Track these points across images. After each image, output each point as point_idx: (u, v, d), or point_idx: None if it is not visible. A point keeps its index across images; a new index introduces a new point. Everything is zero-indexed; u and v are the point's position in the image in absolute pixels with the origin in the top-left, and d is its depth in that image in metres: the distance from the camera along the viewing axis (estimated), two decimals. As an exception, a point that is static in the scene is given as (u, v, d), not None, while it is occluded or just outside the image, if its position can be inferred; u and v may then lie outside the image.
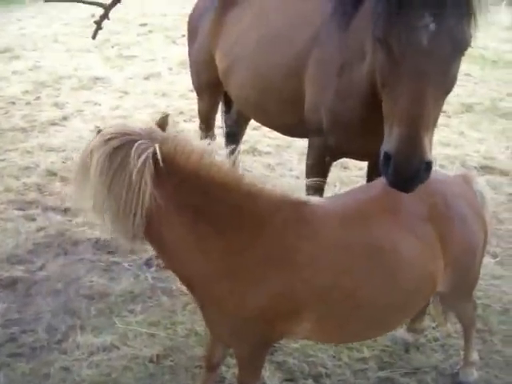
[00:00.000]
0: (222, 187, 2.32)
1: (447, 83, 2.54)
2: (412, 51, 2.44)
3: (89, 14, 12.95)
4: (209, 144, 2.37)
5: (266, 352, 2.73)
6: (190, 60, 4.94)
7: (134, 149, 2.15)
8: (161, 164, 2.18)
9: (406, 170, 2.42)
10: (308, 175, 3.89)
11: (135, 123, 2.39)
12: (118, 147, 2.18)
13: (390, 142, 2.51)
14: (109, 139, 2.19)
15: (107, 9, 3.65)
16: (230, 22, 4.30)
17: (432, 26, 2.40)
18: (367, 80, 3.03)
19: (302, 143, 5.70)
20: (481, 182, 3.03)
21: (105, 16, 3.69)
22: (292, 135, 4.42)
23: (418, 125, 2.41)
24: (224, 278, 2.37)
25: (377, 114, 2.78)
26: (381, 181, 2.70)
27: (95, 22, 3.80)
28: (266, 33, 3.92)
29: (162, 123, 2.37)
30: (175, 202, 2.26)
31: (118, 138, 2.19)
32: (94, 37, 3.78)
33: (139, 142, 2.17)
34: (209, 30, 4.49)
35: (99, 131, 2.28)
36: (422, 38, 2.41)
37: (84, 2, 4.32)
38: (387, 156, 2.49)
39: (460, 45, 2.49)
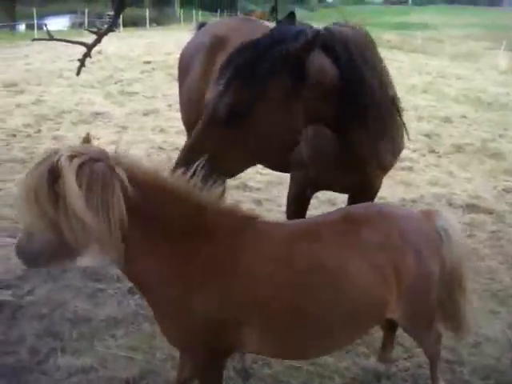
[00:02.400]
0: (173, 199, 2.47)
1: None
2: None
3: (95, 50, 13.33)
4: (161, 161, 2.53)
5: (221, 365, 2.84)
6: (181, 98, 5.12)
7: (99, 167, 2.27)
8: (125, 179, 2.30)
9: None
10: (289, 206, 4.07)
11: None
12: (85, 167, 2.25)
13: None
14: (71, 159, 2.25)
15: (89, 48, 3.86)
16: (220, 63, 4.50)
17: None
18: None
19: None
20: (447, 219, 3.13)
21: (87, 54, 3.90)
22: (273, 169, 4.63)
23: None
24: (171, 284, 2.53)
25: (343, 149, 2.98)
26: (342, 209, 2.91)
27: (79, 60, 4.02)
28: None
29: (86, 141, 2.47)
30: (135, 212, 2.36)
31: (79, 157, 2.26)
32: (78, 73, 3.99)
33: (101, 161, 2.29)
34: (199, 70, 4.68)
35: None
36: None
37: (68, 42, 4.54)
38: None
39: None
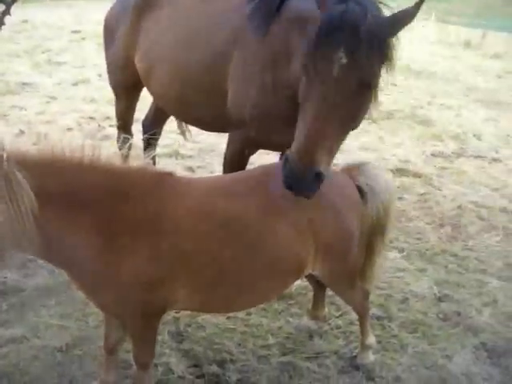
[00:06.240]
0: (76, 170, 2.45)
1: (352, 111, 2.80)
2: (323, 78, 2.71)
3: (19, 19, 12.86)
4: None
5: (155, 325, 2.86)
6: (108, 62, 5.05)
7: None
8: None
9: (295, 176, 2.72)
10: (226, 168, 4.07)
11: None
12: None
13: (291, 148, 2.79)
14: None
15: (9, 4, 3.73)
16: (149, 24, 4.44)
17: (344, 61, 2.65)
18: (292, 82, 3.27)
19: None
20: (370, 173, 3.21)
21: (6, 12, 3.76)
22: (210, 129, 4.63)
23: (315, 141, 2.72)
24: (98, 254, 2.51)
25: (294, 111, 3.02)
26: (261, 166, 3.09)
27: (-6, 18, 3.89)
28: (186, 33, 4.12)
29: None
30: (42, 195, 2.33)
31: None
32: (-5, 32, 3.87)
33: None
34: (126, 32, 4.62)
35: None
36: (333, 69, 2.67)
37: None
38: (286, 159, 2.77)
39: (368, 81, 2.74)
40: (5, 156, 2.26)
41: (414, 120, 8.73)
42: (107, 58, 5.04)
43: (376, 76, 2.78)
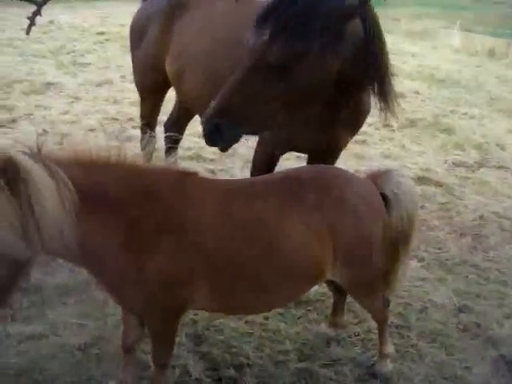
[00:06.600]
0: (103, 169, 2.48)
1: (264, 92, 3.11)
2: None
3: (46, 20, 12.98)
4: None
5: (174, 325, 2.88)
6: (134, 63, 5.07)
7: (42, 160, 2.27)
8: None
9: (203, 129, 3.15)
10: (256, 168, 4.10)
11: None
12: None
13: None
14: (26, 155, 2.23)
15: (40, 5, 3.77)
16: (181, 26, 4.47)
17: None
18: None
19: (246, 151, 5.89)
20: (395, 180, 3.20)
21: (37, 12, 3.81)
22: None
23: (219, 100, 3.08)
24: (123, 252, 2.53)
25: (327, 111, 3.30)
26: (283, 170, 3.11)
27: (28, 18, 3.92)
28: (223, 33, 4.14)
29: None
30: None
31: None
32: (27, 32, 3.90)
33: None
34: (157, 33, 4.65)
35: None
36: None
37: (17, -2, 4.42)
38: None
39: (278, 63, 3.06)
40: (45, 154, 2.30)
41: (436, 128, 8.68)
42: (134, 58, 5.06)
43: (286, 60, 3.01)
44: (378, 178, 3.19)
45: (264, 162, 4.06)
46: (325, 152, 3.93)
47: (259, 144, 4.06)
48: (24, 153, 2.23)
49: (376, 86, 3.46)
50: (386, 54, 3.39)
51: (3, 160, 2.15)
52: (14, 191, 2.16)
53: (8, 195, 2.14)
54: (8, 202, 2.15)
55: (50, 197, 2.21)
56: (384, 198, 3.12)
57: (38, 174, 2.18)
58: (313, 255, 2.84)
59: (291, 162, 6.00)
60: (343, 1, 3.05)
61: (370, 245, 3.01)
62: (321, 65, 3.10)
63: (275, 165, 4.10)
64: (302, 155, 5.21)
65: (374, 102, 3.65)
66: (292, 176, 3.00)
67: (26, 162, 2.18)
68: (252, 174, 4.12)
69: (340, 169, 3.32)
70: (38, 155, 2.29)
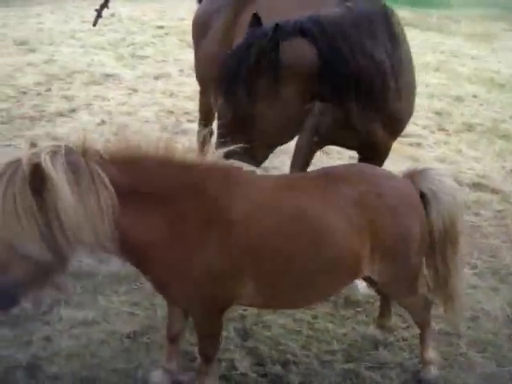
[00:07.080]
0: (153, 165, 2.50)
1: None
2: None
3: (107, 12, 13.21)
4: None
5: (219, 319, 2.90)
6: (198, 55, 5.10)
7: (77, 159, 2.30)
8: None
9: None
10: (294, 161, 4.14)
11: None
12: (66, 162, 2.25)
13: None
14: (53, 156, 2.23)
15: (107, -1, 3.87)
16: (246, 19, 4.49)
17: None
18: None
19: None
20: (434, 179, 3.16)
21: (104, 5, 3.89)
22: None
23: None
24: (171, 247, 2.56)
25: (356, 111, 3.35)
26: (324, 167, 3.21)
27: (96, 10, 4.02)
28: None
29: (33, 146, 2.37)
30: (120, 188, 2.37)
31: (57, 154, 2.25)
32: (94, 24, 3.99)
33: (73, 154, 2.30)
34: (224, 26, 4.70)
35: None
36: None
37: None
38: None
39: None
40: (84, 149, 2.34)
41: (494, 134, 8.46)
42: (197, 52, 5.09)
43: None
44: (415, 176, 3.16)
45: (305, 149, 4.11)
46: (369, 151, 3.94)
47: (303, 130, 4.10)
48: (58, 153, 2.22)
49: (361, 99, 3.42)
50: (363, 65, 3.29)
51: (29, 168, 2.17)
52: (40, 199, 2.19)
53: (34, 204, 2.17)
54: (33, 210, 2.18)
55: (72, 206, 2.20)
56: (422, 196, 3.09)
57: (62, 182, 2.17)
58: (353, 250, 2.85)
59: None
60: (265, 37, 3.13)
61: (407, 242, 2.99)
62: (272, 102, 3.20)
63: (312, 157, 4.18)
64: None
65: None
66: (333, 172, 3.05)
67: (53, 169, 2.17)
68: (292, 163, 4.17)
69: (378, 167, 3.41)
70: (80, 154, 2.31)
